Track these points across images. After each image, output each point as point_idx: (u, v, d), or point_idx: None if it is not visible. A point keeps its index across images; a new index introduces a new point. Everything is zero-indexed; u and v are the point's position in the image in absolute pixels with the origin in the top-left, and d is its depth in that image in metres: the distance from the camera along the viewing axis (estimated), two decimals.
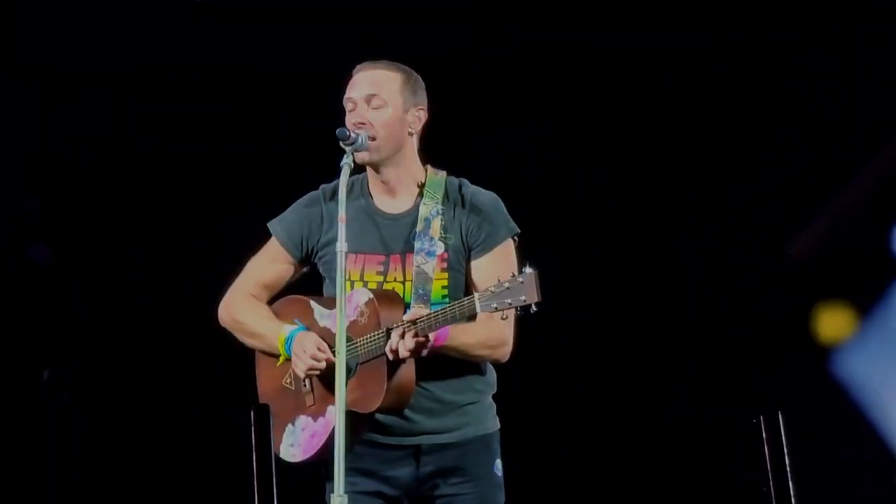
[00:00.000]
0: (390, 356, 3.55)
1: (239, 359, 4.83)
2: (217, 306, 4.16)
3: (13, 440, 7.23)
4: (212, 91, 7.03)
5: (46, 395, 7.54)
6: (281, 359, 3.86)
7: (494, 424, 3.89)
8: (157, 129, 7.11)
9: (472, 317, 3.56)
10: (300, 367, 3.77)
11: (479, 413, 3.83)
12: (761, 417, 5.83)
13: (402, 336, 3.53)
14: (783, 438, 5.76)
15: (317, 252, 3.92)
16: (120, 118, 7.11)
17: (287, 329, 3.85)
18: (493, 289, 3.46)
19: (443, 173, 3.88)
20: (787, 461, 5.81)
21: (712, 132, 6.72)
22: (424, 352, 3.56)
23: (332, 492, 3.35)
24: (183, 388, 7.48)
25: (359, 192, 3.87)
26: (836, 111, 6.59)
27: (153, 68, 6.97)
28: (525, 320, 3.63)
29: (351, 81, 3.87)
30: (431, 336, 3.56)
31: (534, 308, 3.44)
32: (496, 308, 3.44)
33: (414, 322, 3.54)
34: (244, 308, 3.99)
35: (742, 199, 6.70)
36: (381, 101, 3.77)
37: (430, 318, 3.55)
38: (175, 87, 7.05)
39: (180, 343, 7.56)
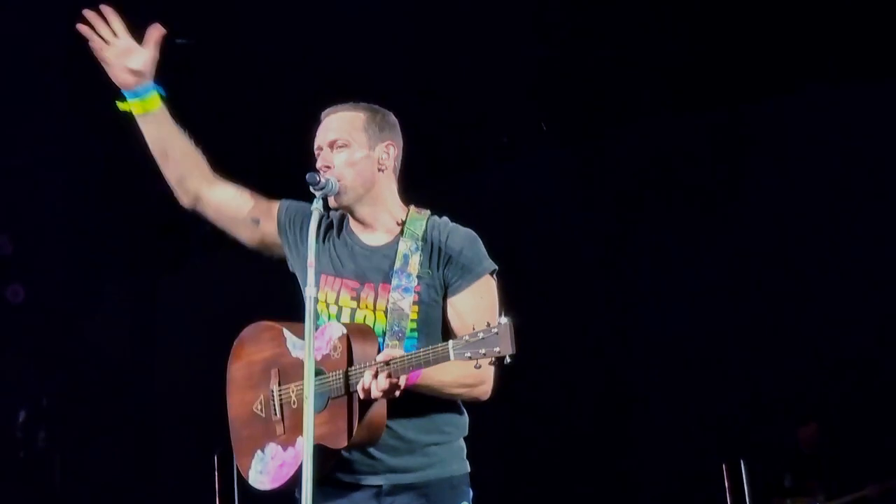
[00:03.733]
0: (362, 395, 3.47)
1: (205, 403, 4.80)
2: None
3: None
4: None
5: (22, 434, 7.55)
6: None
7: (462, 467, 3.75)
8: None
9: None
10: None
11: (444, 455, 3.72)
12: (723, 465, 5.82)
13: (375, 376, 3.46)
14: (745, 486, 5.76)
15: (288, 240, 3.84)
16: None
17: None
18: (467, 337, 3.38)
19: (426, 212, 3.85)
20: None
21: None
22: (397, 393, 3.49)
23: None
24: (152, 433, 7.52)
25: (344, 225, 3.82)
26: None
27: None
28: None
29: (318, 128, 3.84)
30: (403, 378, 3.48)
31: (508, 360, 3.34)
32: (469, 357, 3.36)
33: (387, 363, 3.46)
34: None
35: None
36: (345, 142, 3.76)
37: (403, 360, 3.47)
38: None
39: (150, 389, 7.61)
